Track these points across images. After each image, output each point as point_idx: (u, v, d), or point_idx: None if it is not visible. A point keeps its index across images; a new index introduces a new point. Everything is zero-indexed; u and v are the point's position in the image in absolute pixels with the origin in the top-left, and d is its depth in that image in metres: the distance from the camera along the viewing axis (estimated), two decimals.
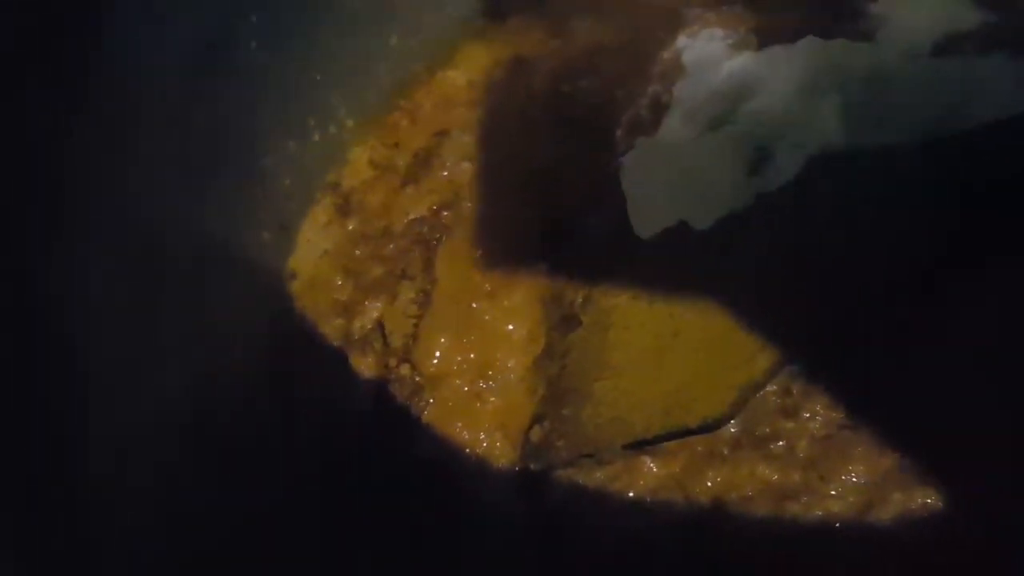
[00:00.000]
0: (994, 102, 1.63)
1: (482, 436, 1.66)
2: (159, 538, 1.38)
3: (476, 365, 1.71)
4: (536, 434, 1.64)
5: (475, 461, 1.65)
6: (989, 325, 1.49)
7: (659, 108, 1.84)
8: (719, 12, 1.90)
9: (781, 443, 1.53)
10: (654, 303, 1.66)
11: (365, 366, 1.75)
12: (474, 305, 1.74)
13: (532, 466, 1.63)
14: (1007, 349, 1.47)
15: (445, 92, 1.94)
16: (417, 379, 1.72)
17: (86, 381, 1.37)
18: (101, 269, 1.42)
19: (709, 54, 1.86)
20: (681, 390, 1.60)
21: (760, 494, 1.51)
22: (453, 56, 1.96)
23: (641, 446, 1.58)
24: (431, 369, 1.72)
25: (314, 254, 1.84)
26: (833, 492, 1.48)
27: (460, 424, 1.68)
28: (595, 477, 1.58)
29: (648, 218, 1.73)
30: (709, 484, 1.53)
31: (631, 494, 1.56)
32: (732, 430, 1.56)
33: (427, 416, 1.69)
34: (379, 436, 1.68)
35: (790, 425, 1.54)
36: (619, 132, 1.84)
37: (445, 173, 1.85)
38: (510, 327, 1.72)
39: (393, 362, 1.74)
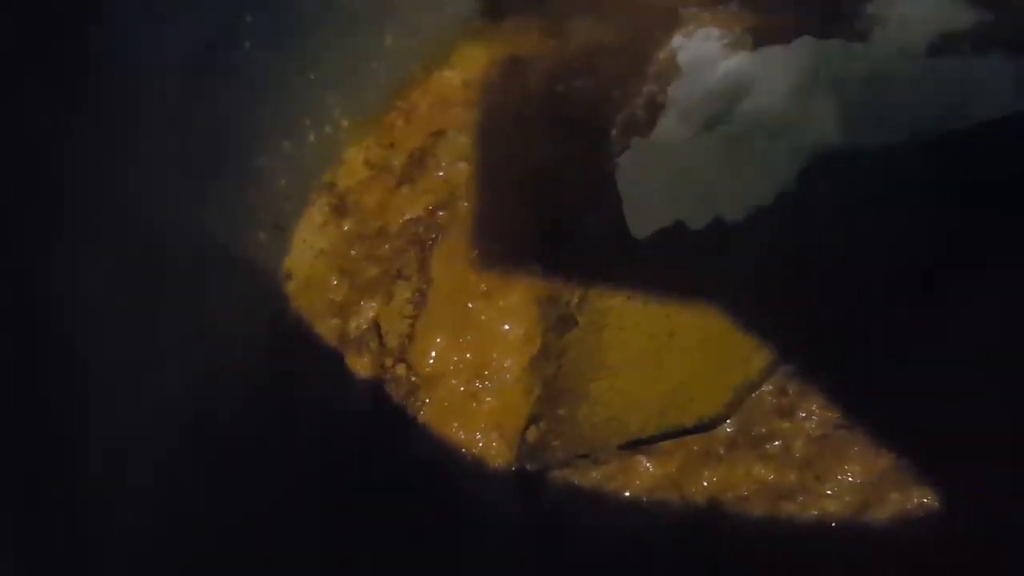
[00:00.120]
0: (992, 101, 1.63)
1: (478, 436, 1.67)
2: (159, 538, 1.38)
3: (472, 365, 1.71)
4: (532, 434, 1.64)
5: (472, 461, 1.65)
6: (989, 325, 1.49)
7: (655, 108, 1.84)
8: (715, 12, 1.90)
9: (777, 443, 1.53)
10: (650, 303, 1.66)
11: (361, 366, 1.75)
12: (470, 305, 1.74)
13: (528, 466, 1.63)
14: (1007, 349, 1.47)
15: (441, 92, 1.94)
16: (413, 379, 1.72)
17: (86, 381, 1.37)
18: (101, 269, 1.42)
19: (705, 54, 1.86)
20: (677, 390, 1.60)
21: (756, 494, 1.51)
22: (449, 56, 1.96)
23: (637, 446, 1.58)
24: (427, 369, 1.72)
25: (310, 254, 1.84)
26: (829, 492, 1.49)
27: (456, 424, 1.68)
28: (591, 477, 1.58)
29: (644, 218, 1.72)
30: (705, 484, 1.53)
31: (627, 494, 1.56)
32: (728, 430, 1.56)
33: (423, 416, 1.69)
34: (377, 436, 1.68)
35: (786, 425, 1.54)
36: (615, 132, 1.84)
37: (441, 173, 1.85)
38: (506, 327, 1.72)
39: (389, 362, 1.74)
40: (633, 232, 1.72)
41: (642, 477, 1.56)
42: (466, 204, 1.82)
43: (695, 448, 1.56)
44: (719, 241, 1.67)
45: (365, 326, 1.78)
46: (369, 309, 1.79)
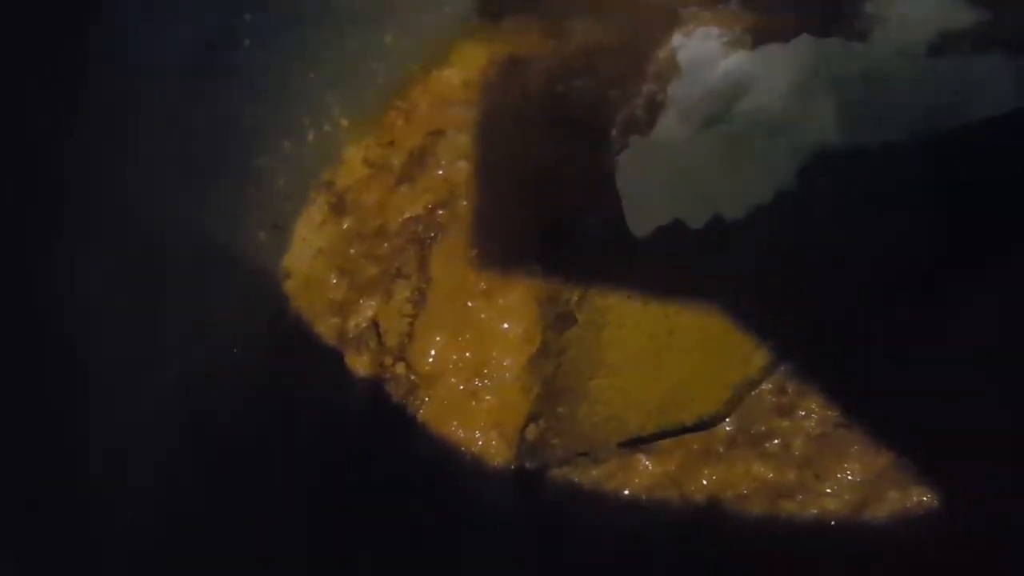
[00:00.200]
0: (992, 101, 1.63)
1: (478, 435, 1.67)
2: (159, 538, 1.39)
3: (472, 364, 1.71)
4: (532, 432, 1.64)
5: (471, 460, 1.66)
6: (989, 325, 1.49)
7: (654, 107, 1.84)
8: (715, 11, 1.90)
9: (776, 441, 1.53)
10: (649, 302, 1.66)
11: (360, 365, 1.75)
12: (469, 304, 1.74)
13: (528, 464, 1.63)
14: (1007, 349, 1.47)
15: (440, 91, 1.94)
16: (412, 378, 1.72)
17: (86, 381, 1.37)
18: (101, 269, 1.42)
19: (704, 53, 1.86)
20: (676, 388, 1.60)
21: (755, 492, 1.51)
22: (449, 55, 1.96)
23: (637, 444, 1.58)
24: (426, 368, 1.72)
25: (309, 253, 1.84)
26: (828, 490, 1.49)
27: (456, 423, 1.68)
28: (591, 475, 1.58)
29: (644, 217, 1.72)
30: (704, 482, 1.53)
31: (627, 492, 1.56)
32: (727, 428, 1.56)
33: (423, 415, 1.69)
34: (377, 436, 1.69)
35: (785, 423, 1.54)
36: (614, 131, 1.84)
37: (440, 172, 1.85)
38: (505, 326, 1.72)
39: (388, 361, 1.74)
40: (633, 231, 1.72)
41: (642, 475, 1.56)
42: (465, 203, 1.82)
43: (695, 446, 1.56)
44: (719, 240, 1.67)
45: (364, 325, 1.78)
46: (368, 308, 1.79)
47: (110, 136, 1.45)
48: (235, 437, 1.57)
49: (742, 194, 1.68)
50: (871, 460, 1.48)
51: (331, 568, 1.56)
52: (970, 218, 1.53)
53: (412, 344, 1.74)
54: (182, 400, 1.52)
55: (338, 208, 1.87)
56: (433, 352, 1.72)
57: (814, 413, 1.53)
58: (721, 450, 1.55)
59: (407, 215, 1.84)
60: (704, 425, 1.56)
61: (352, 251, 1.84)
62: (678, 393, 1.60)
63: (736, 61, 1.82)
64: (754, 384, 1.57)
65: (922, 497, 1.45)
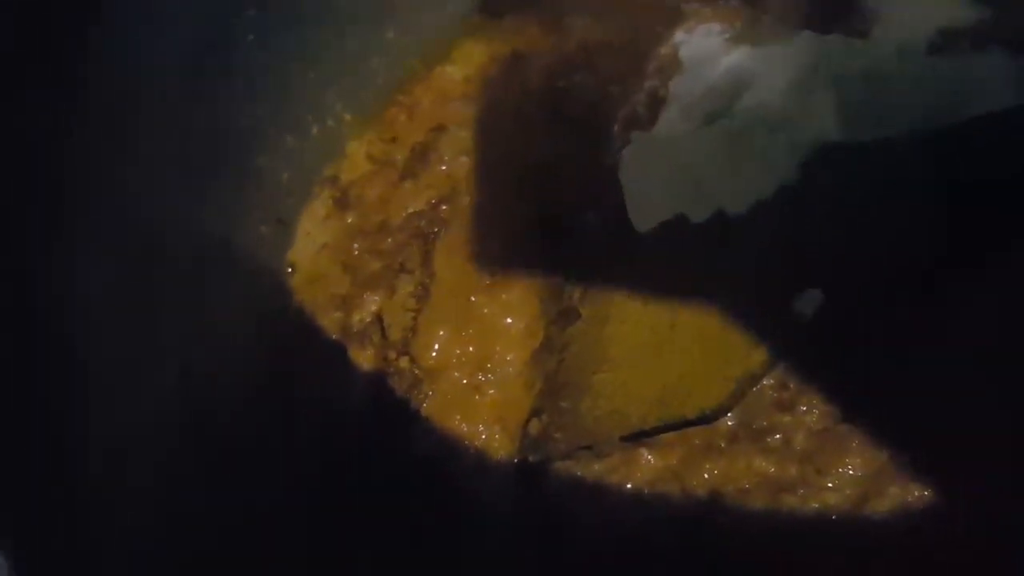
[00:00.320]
0: (992, 99, 1.62)
1: (481, 429, 1.67)
2: (159, 538, 1.39)
3: (475, 358, 1.72)
4: (534, 427, 1.64)
5: (474, 454, 1.66)
6: (989, 325, 1.49)
7: (656, 103, 1.84)
8: (716, 7, 1.90)
9: (778, 436, 1.54)
10: (652, 296, 1.66)
11: (364, 359, 1.75)
12: (472, 299, 1.74)
13: (530, 458, 1.63)
14: (1007, 349, 1.47)
15: (442, 88, 1.94)
16: (416, 372, 1.72)
17: (86, 381, 1.37)
18: (101, 269, 1.42)
19: (706, 49, 1.85)
20: (678, 383, 1.60)
21: (757, 487, 1.52)
22: (450, 52, 1.96)
23: (639, 438, 1.59)
24: (430, 362, 1.72)
25: (312, 248, 1.84)
26: (830, 485, 1.49)
27: (459, 417, 1.68)
28: (593, 469, 1.58)
29: (646, 211, 1.72)
30: (706, 476, 1.54)
31: (629, 486, 1.57)
32: (729, 423, 1.57)
33: (426, 409, 1.69)
34: (378, 435, 1.69)
35: (787, 418, 1.55)
36: (616, 127, 1.83)
37: (443, 168, 1.85)
38: (508, 320, 1.72)
39: (392, 355, 1.74)
40: (635, 225, 1.72)
41: (644, 469, 1.57)
42: (468, 198, 1.82)
43: (696, 441, 1.57)
44: (721, 235, 1.67)
45: (368, 319, 1.78)
46: (372, 302, 1.79)
47: (110, 136, 1.45)
48: (235, 437, 1.57)
49: (743, 189, 1.68)
50: (872, 456, 1.49)
51: (331, 568, 1.56)
52: (970, 216, 1.53)
53: (416, 338, 1.74)
54: (182, 400, 1.53)
55: (342, 203, 1.87)
56: (437, 346, 1.72)
57: (815, 409, 1.54)
58: (723, 444, 1.56)
59: (410, 210, 1.84)
60: (706, 419, 1.57)
61: (356, 246, 1.84)
62: (680, 387, 1.60)
63: (737, 58, 1.82)
64: (756, 379, 1.57)
65: (923, 493, 1.45)
